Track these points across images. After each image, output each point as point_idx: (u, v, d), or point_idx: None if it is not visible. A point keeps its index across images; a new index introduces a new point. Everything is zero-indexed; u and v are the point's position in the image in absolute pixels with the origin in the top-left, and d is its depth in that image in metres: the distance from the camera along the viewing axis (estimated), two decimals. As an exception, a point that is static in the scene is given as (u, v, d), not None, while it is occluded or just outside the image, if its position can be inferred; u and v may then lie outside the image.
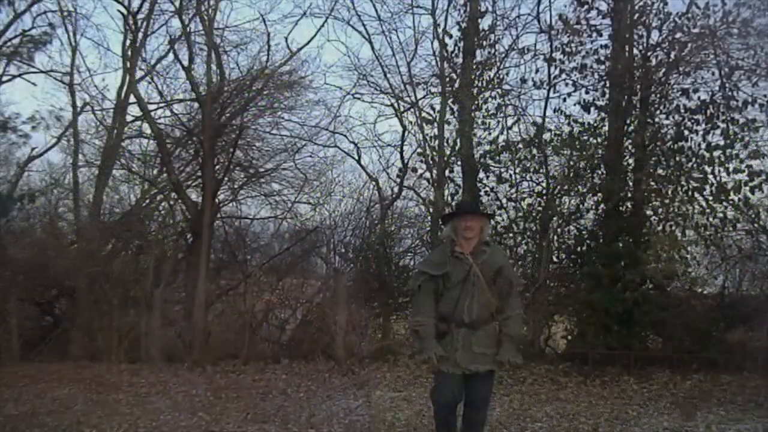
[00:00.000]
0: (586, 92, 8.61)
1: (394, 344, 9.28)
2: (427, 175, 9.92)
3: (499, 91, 9.27)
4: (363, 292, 10.05)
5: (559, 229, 9.09)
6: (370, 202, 11.66)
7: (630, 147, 8.41)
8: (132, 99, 11.82)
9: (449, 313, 3.95)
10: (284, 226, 12.92)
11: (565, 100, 8.91)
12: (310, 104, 11.99)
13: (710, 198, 7.86)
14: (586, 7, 8.53)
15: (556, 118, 8.90)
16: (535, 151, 9.00)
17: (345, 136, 11.83)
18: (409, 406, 6.47)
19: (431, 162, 9.72)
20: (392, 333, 9.92)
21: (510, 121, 9.32)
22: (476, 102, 9.25)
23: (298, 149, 12.19)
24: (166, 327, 10.39)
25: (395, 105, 10.58)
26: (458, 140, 9.45)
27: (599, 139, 8.57)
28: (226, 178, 11.77)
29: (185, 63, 11.46)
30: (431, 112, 10.06)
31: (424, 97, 10.16)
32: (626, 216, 8.28)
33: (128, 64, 11.67)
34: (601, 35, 8.52)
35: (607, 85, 8.43)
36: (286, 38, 12.70)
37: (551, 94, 9.09)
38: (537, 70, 9.13)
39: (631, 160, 8.47)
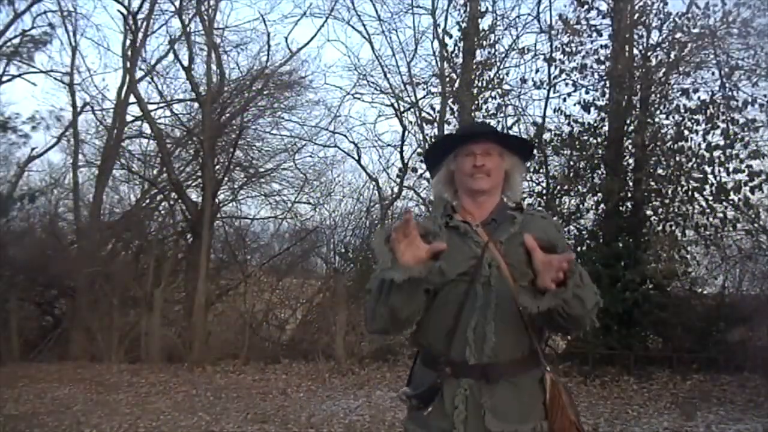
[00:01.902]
0: (586, 92, 8.61)
1: (394, 344, 9.27)
2: (427, 175, 9.92)
3: (499, 91, 9.26)
4: (363, 292, 10.05)
5: (559, 229, 9.09)
6: (370, 202, 11.69)
7: (630, 147, 8.39)
8: (132, 99, 11.87)
9: (439, 347, 1.92)
10: (284, 226, 12.97)
11: (565, 100, 8.93)
12: (310, 104, 12.07)
13: (710, 198, 7.84)
14: (586, 7, 8.53)
15: (556, 118, 8.89)
16: (535, 151, 9.00)
17: (345, 136, 11.87)
18: (409, 406, 6.47)
19: (431, 162, 9.70)
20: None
21: (510, 121, 9.33)
22: (476, 102, 9.25)
23: (298, 149, 12.25)
24: (166, 327, 10.42)
25: (395, 105, 10.59)
26: (458, 140, 9.43)
27: (599, 139, 8.56)
28: (226, 178, 11.80)
29: (185, 63, 11.51)
30: (431, 112, 10.06)
31: (424, 97, 10.18)
32: (626, 216, 8.27)
33: (128, 64, 11.69)
34: (601, 35, 8.52)
35: (607, 85, 8.42)
36: (286, 38, 12.85)
37: (551, 94, 9.10)
38: (537, 70, 9.14)
39: (631, 160, 8.46)
